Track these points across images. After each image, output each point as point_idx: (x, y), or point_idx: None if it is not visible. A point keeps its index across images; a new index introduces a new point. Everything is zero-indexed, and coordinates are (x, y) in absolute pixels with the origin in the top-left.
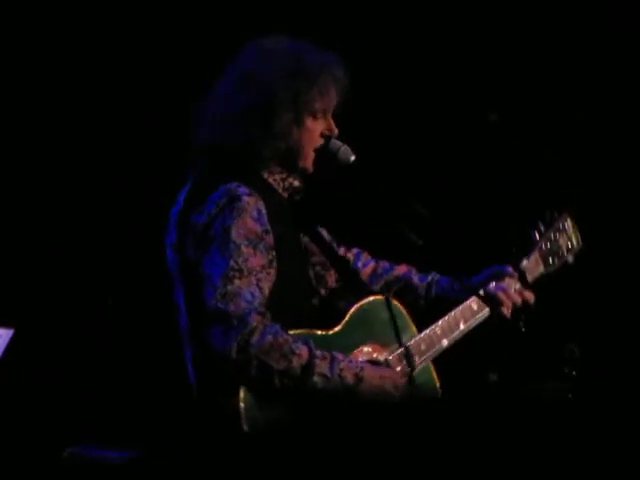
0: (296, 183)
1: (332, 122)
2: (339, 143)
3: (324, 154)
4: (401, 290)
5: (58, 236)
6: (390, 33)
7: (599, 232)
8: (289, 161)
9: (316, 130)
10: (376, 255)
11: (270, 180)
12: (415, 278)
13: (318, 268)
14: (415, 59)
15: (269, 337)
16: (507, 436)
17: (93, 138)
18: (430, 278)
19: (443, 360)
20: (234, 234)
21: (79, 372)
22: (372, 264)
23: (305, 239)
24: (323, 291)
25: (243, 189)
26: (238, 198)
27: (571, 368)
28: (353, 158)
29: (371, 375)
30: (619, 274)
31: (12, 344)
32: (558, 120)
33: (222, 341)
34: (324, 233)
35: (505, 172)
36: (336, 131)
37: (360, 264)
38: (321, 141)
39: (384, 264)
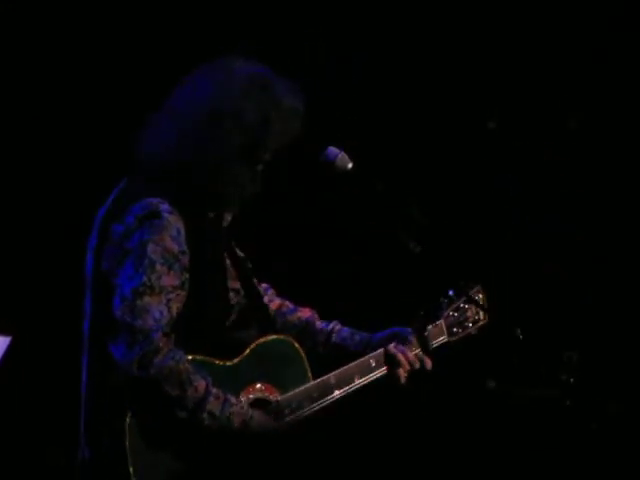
0: None
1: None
2: (336, 150)
3: (321, 162)
4: (301, 333)
5: (55, 242)
6: (390, 41)
7: (600, 237)
8: (228, 187)
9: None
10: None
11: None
12: (317, 323)
13: (232, 294)
14: (413, 66)
15: (171, 362)
16: (504, 442)
17: (94, 146)
18: (331, 326)
19: (442, 366)
20: (150, 250)
21: (77, 378)
22: (277, 302)
23: (227, 261)
24: (233, 316)
25: (165, 206)
26: (158, 215)
27: (569, 375)
28: (351, 165)
29: (257, 424)
30: (617, 280)
31: (9, 352)
32: (557, 121)
33: (124, 354)
34: (245, 262)
35: (505, 172)
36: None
37: (266, 299)
38: (253, 185)
39: (288, 304)
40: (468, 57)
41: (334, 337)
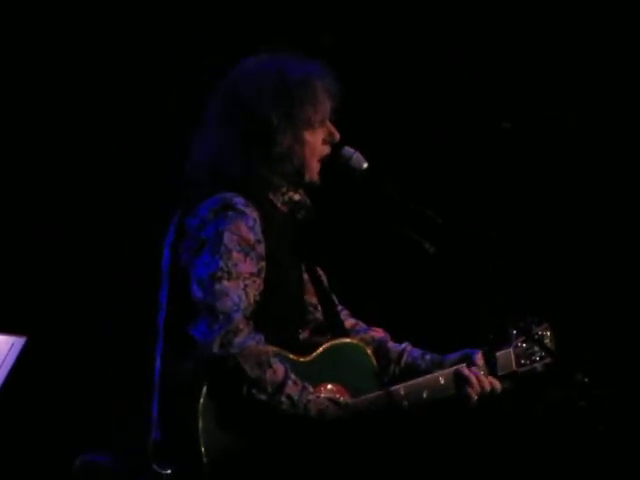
0: (296, 197)
1: (332, 127)
2: (351, 150)
3: (336, 162)
4: (375, 352)
5: (70, 243)
6: (404, 41)
7: (613, 240)
8: (295, 178)
9: (317, 140)
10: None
11: (271, 196)
12: (389, 343)
13: (310, 308)
14: (428, 67)
15: (252, 342)
16: (517, 442)
17: (102, 149)
18: (403, 346)
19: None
20: (226, 238)
21: (92, 380)
22: (351, 321)
23: (305, 276)
24: (309, 326)
25: (239, 199)
26: (233, 207)
27: (583, 374)
28: (366, 165)
29: (332, 416)
30: (632, 279)
31: (25, 352)
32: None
33: (205, 333)
34: (324, 278)
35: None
36: (337, 135)
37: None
38: (324, 149)
39: (362, 324)
40: (483, 56)
41: (406, 357)
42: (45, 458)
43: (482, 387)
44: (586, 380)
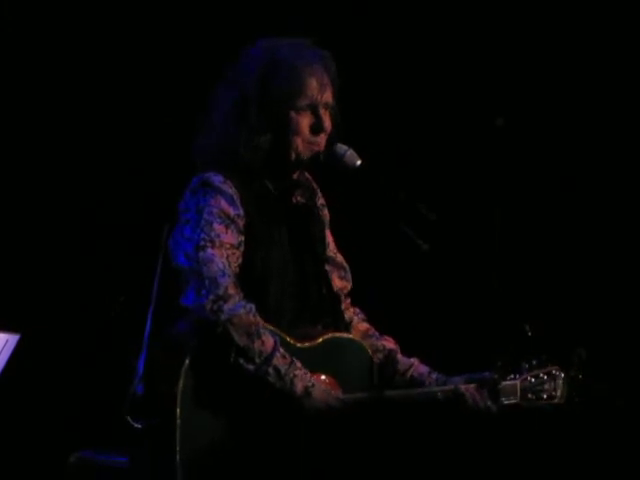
0: (292, 178)
1: (323, 118)
2: (345, 147)
3: (329, 159)
4: (384, 359)
5: (64, 240)
6: (397, 36)
7: (607, 236)
8: (280, 158)
9: (302, 123)
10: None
11: (258, 176)
12: (399, 355)
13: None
14: (421, 64)
15: (242, 310)
16: (512, 436)
17: (98, 145)
18: (412, 361)
19: (448, 364)
20: (206, 213)
21: (85, 377)
22: (365, 325)
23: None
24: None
25: (217, 177)
26: (210, 184)
27: (578, 371)
28: (359, 162)
29: (318, 394)
30: (627, 277)
31: (18, 349)
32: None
33: (194, 300)
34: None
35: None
36: (326, 125)
37: (356, 320)
38: (310, 135)
39: (374, 331)
40: (476, 53)
41: (412, 370)
42: (39, 455)
43: (477, 404)
44: (580, 377)
